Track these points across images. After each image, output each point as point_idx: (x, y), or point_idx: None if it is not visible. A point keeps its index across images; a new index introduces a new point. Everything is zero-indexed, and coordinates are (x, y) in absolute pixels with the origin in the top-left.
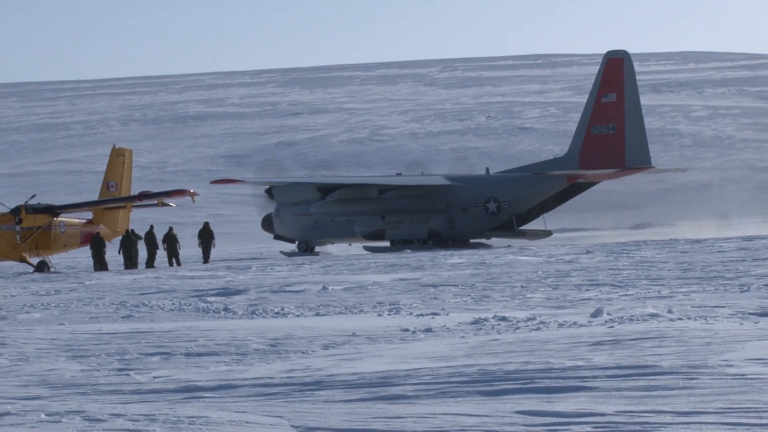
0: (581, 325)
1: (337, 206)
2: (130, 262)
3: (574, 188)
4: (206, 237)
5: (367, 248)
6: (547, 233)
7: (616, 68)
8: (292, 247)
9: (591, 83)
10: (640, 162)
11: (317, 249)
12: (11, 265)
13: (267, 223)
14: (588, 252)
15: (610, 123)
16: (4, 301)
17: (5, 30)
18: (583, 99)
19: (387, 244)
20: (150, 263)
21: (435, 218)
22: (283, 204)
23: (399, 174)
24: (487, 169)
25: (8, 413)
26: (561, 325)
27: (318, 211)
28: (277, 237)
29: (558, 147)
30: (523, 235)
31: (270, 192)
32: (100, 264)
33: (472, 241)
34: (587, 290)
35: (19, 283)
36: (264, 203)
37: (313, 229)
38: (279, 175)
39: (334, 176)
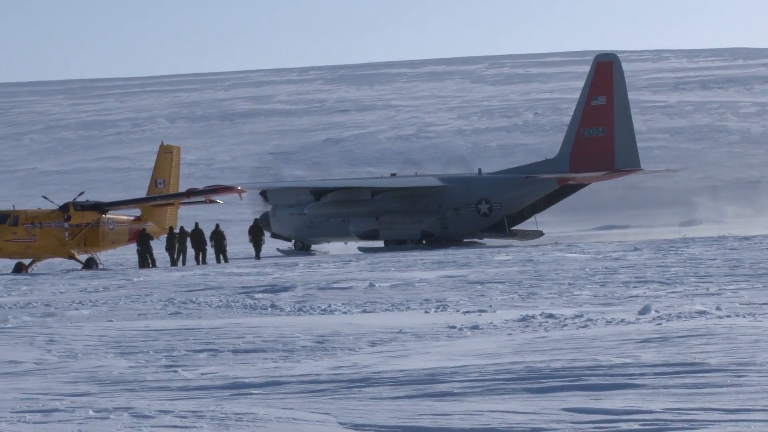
0: (629, 323)
1: (332, 207)
2: (178, 259)
3: (565, 190)
4: (257, 233)
5: (361, 248)
6: (539, 234)
7: (606, 72)
8: (288, 245)
9: (639, 80)
10: (629, 164)
11: (313, 247)
12: (60, 262)
13: (264, 221)
14: (636, 249)
15: (600, 126)
16: (53, 298)
17: (54, 28)
18: (632, 96)
19: (381, 244)
20: (197, 260)
21: (428, 219)
22: (278, 205)
23: (394, 174)
24: (480, 170)
25: (57, 410)
26: (609, 323)
27: (313, 212)
28: (274, 235)
29: None
30: (515, 235)
31: (264, 195)
32: (152, 260)
33: (465, 240)
34: (635, 287)
35: (67, 280)
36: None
37: (309, 229)
38: (275, 180)
39: (326, 179)
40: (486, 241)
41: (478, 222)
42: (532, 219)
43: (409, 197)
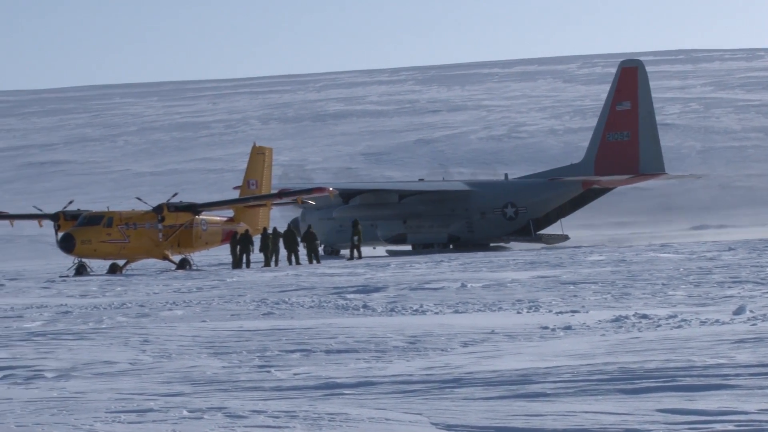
0: (723, 323)
1: (360, 211)
2: (271, 260)
3: (590, 194)
4: (309, 239)
5: (389, 252)
6: (564, 237)
7: (631, 77)
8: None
9: (733, 79)
10: (654, 168)
11: (342, 252)
12: (153, 263)
13: (295, 226)
14: (730, 249)
15: (625, 131)
16: (147, 299)
17: (148, 31)
18: (725, 95)
19: (409, 247)
20: (289, 261)
21: (454, 223)
22: (307, 209)
23: (421, 179)
24: (506, 175)
25: (151, 410)
26: (703, 323)
27: (341, 216)
28: (304, 240)
29: (699, 143)
30: (540, 239)
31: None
32: (247, 261)
33: (492, 245)
34: (729, 287)
35: (161, 281)
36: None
37: (338, 233)
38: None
39: (356, 182)
40: (512, 245)
41: (504, 226)
42: (557, 222)
43: (436, 201)
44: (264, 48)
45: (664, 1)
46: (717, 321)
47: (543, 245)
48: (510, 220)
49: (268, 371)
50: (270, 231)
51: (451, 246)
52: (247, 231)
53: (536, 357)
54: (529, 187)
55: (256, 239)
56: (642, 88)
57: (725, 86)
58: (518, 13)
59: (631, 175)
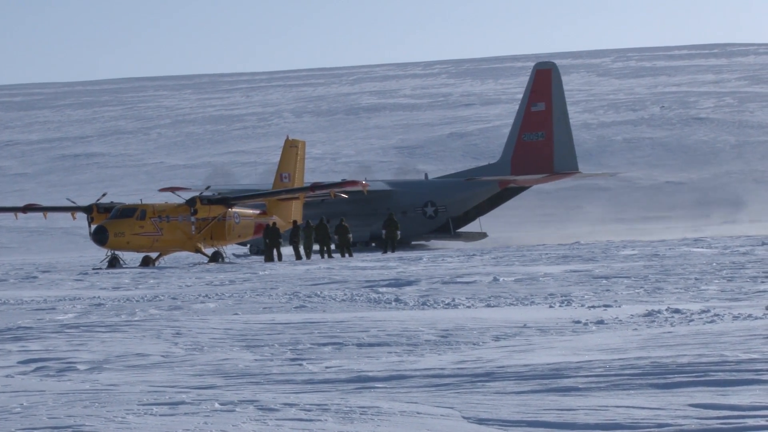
0: (756, 318)
1: None
2: (309, 253)
3: (507, 192)
4: (391, 227)
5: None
6: (483, 235)
7: (545, 79)
8: (244, 249)
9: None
10: (568, 167)
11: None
12: (186, 256)
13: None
14: (764, 244)
15: (540, 131)
16: (180, 291)
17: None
18: (760, 89)
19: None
20: (322, 254)
21: (377, 222)
22: None
23: (344, 179)
24: (426, 175)
25: (183, 402)
26: (736, 318)
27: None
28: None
29: (734, 137)
30: (459, 237)
31: None
32: (278, 254)
33: (413, 243)
34: (763, 282)
35: (194, 274)
36: None
37: None
38: (226, 184)
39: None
40: (432, 243)
41: (425, 224)
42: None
43: (358, 201)
44: (298, 41)
45: None
46: (750, 316)
47: (462, 242)
48: (430, 219)
49: (300, 364)
50: (303, 224)
51: (372, 244)
52: (274, 224)
53: (568, 351)
54: (448, 187)
55: (287, 233)
56: (556, 89)
57: (760, 80)
58: (552, 7)
59: (546, 174)
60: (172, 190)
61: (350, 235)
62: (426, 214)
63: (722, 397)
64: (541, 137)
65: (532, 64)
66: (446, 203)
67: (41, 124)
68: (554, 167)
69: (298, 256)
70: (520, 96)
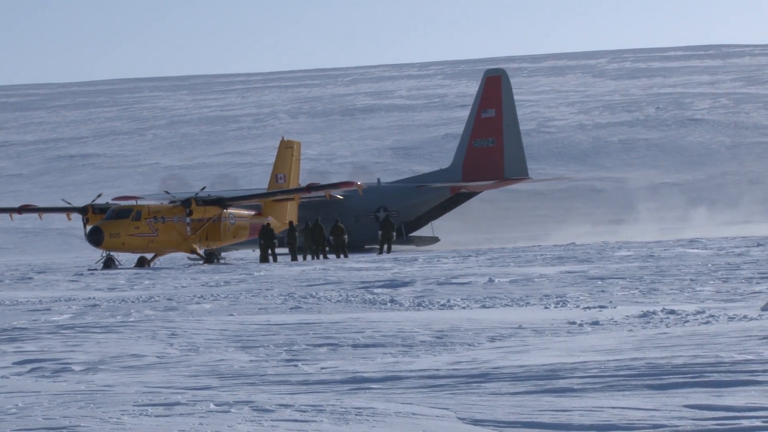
0: (752, 319)
1: None
2: (306, 254)
3: (459, 197)
4: (388, 228)
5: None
6: (435, 239)
7: (495, 86)
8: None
9: (763, 74)
10: (518, 173)
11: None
12: (181, 257)
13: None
14: (759, 245)
15: (490, 137)
16: (175, 292)
17: (176, 25)
18: (755, 90)
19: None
20: (317, 255)
21: (327, 227)
22: None
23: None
24: (378, 180)
25: (178, 403)
26: (731, 319)
27: None
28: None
29: (729, 138)
30: (412, 241)
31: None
32: (273, 255)
33: (366, 247)
34: (758, 283)
35: (189, 274)
36: None
37: None
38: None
39: (235, 189)
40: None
41: (378, 229)
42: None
43: (311, 206)
44: (293, 42)
45: None
46: (745, 317)
47: (414, 247)
48: None
49: (295, 365)
50: (299, 225)
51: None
52: (268, 224)
53: (564, 352)
54: (400, 192)
55: (282, 234)
56: (506, 96)
57: (755, 81)
58: (547, 8)
59: (496, 180)
60: (124, 198)
61: (346, 236)
62: (379, 219)
63: (717, 398)
64: (491, 143)
65: (528, 65)
66: (398, 208)
67: (36, 124)
68: (504, 173)
69: (294, 257)
70: (516, 97)
